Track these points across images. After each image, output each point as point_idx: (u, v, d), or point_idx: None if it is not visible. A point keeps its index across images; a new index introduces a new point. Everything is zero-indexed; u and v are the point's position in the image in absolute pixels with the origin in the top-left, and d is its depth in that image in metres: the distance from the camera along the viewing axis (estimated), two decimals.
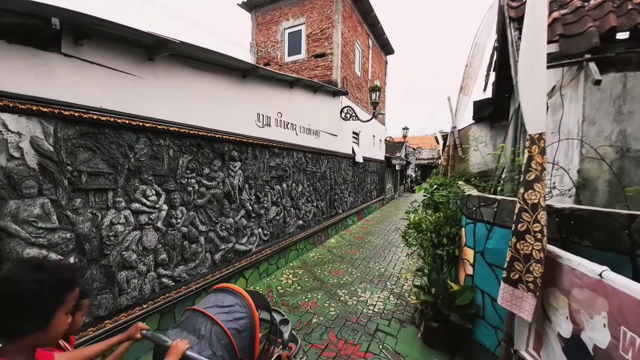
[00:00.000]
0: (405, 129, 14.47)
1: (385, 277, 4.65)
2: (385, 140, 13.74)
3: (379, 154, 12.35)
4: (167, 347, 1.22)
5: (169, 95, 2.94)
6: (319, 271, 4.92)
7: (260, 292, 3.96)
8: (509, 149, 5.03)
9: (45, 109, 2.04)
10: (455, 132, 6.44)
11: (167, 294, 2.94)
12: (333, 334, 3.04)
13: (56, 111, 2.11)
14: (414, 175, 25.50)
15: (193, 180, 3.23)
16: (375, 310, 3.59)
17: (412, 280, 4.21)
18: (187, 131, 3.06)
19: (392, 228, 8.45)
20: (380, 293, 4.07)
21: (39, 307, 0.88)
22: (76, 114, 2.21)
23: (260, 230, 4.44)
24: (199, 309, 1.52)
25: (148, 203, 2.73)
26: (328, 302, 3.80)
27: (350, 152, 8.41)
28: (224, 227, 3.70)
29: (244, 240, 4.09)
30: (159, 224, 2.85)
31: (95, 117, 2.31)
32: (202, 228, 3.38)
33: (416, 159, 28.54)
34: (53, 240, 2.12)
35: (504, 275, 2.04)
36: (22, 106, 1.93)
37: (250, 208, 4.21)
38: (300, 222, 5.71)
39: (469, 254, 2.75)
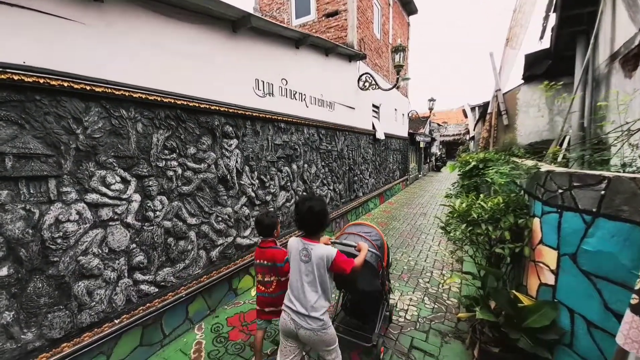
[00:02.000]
0: (432, 100, 12.98)
1: (417, 273, 3.91)
2: (409, 114, 12.49)
3: (402, 129, 11.21)
4: (353, 247, 1.89)
5: (131, 51, 2.23)
6: None
7: None
8: (577, 113, 3.95)
9: None
10: (499, 96, 5.30)
11: (148, 304, 2.39)
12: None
13: None
14: (438, 153, 23.84)
15: (174, 163, 2.58)
16: (408, 317, 2.89)
17: (453, 284, 3.44)
18: (158, 99, 2.37)
19: (418, 212, 7.58)
20: (412, 294, 3.36)
21: (327, 216, 1.68)
22: None
23: None
24: (351, 232, 2.29)
25: (110, 193, 2.12)
26: None
27: (370, 128, 7.46)
28: (220, 219, 3.08)
29: (247, 232, 3.47)
30: (130, 219, 2.25)
31: (16, 78, 1.66)
32: (192, 221, 2.77)
33: (440, 136, 26.70)
34: None
35: (635, 301, 1.25)
36: None
37: (254, 194, 3.55)
38: None
39: (549, 255, 1.92)
